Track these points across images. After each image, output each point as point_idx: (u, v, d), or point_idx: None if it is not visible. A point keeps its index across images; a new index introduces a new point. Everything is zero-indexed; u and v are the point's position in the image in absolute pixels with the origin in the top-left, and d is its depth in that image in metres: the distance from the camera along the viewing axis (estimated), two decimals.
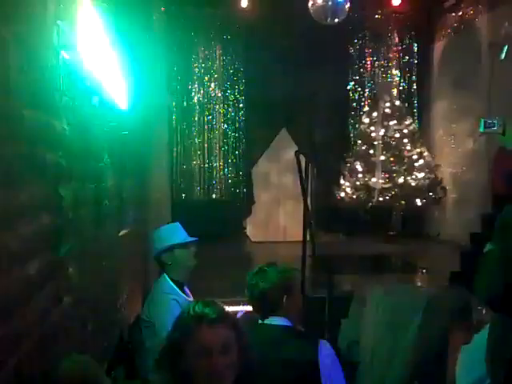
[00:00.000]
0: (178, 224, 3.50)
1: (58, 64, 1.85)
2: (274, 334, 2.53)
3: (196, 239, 3.38)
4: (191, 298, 3.49)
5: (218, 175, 9.74)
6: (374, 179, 8.85)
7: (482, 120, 2.49)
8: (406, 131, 9.06)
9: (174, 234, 3.43)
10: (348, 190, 9.05)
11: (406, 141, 9.00)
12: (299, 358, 2.25)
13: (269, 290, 2.65)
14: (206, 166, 9.69)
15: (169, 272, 3.45)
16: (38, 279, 1.52)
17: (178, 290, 3.37)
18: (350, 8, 7.26)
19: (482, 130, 2.51)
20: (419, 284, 6.17)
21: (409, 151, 8.93)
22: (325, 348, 2.45)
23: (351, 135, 9.98)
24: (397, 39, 10.04)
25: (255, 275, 2.72)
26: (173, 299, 3.25)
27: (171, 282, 3.40)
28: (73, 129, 1.99)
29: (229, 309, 3.34)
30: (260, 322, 2.64)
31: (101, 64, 2.37)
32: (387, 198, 8.73)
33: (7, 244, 1.30)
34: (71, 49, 1.96)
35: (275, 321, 2.60)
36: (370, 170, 8.95)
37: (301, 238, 5.67)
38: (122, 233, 3.32)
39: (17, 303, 1.36)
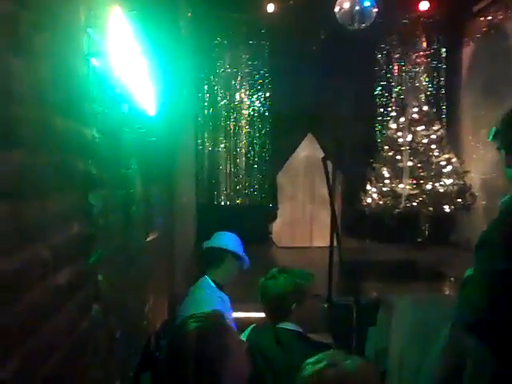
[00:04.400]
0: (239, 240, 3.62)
1: (88, 72, 1.85)
2: (282, 337, 2.55)
3: (248, 262, 3.47)
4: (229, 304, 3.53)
5: (243, 180, 9.74)
6: (401, 185, 8.76)
7: (494, 129, 2.42)
8: (433, 137, 8.95)
9: (238, 244, 3.53)
10: (375, 195, 8.97)
11: (433, 146, 8.89)
12: (304, 362, 2.25)
13: (278, 296, 2.67)
14: (232, 170, 9.70)
15: (212, 273, 3.50)
16: (68, 288, 1.51)
17: (218, 289, 3.43)
18: (377, 13, 7.21)
19: (491, 138, 2.44)
20: (448, 293, 6.08)
21: (437, 157, 8.82)
22: None
23: (378, 141, 9.90)
24: (425, 44, 9.93)
25: (266, 281, 2.74)
26: (218, 296, 3.30)
27: (212, 283, 3.45)
28: (102, 136, 1.99)
29: (251, 314, 3.34)
30: (271, 325, 2.66)
31: (130, 71, 2.37)
32: (414, 204, 8.63)
33: (39, 254, 1.29)
34: (101, 56, 1.97)
35: (285, 325, 2.63)
36: (397, 175, 8.86)
37: (327, 244, 5.63)
38: (149, 238, 3.33)
39: (47, 314, 1.35)
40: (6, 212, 1.13)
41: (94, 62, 1.90)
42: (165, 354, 2.02)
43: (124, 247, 2.46)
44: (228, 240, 3.58)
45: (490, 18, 8.75)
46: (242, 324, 3.21)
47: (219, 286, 3.49)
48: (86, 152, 1.81)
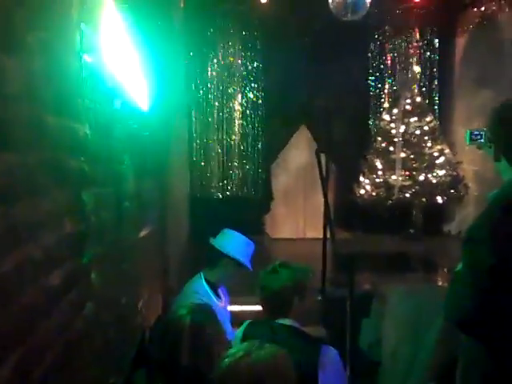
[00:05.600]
0: (252, 246, 3.55)
1: (81, 68, 1.84)
2: (279, 332, 2.55)
3: (250, 268, 3.39)
4: (223, 303, 3.50)
5: (236, 172, 9.72)
6: (394, 176, 8.78)
7: (468, 131, 2.41)
8: (426, 128, 8.96)
9: (241, 249, 3.47)
10: (368, 187, 8.98)
11: (426, 138, 8.91)
12: (299, 358, 2.27)
13: (281, 291, 2.66)
14: (225, 162, 9.67)
15: (208, 272, 3.47)
16: (61, 288, 1.50)
17: (210, 292, 3.39)
18: (370, 3, 7.19)
19: (468, 142, 2.43)
20: (440, 283, 6.11)
21: (429, 148, 8.84)
22: (327, 353, 2.46)
23: (371, 132, 9.89)
24: (418, 35, 9.90)
25: (268, 275, 2.73)
26: (199, 299, 3.27)
27: (205, 283, 3.42)
28: (95, 133, 1.98)
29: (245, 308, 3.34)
30: (269, 319, 2.66)
31: (123, 66, 2.36)
32: (407, 195, 8.66)
33: (31, 255, 1.28)
34: (94, 52, 1.95)
35: (282, 321, 2.63)
36: (390, 167, 8.88)
37: (321, 236, 5.66)
38: (142, 234, 3.32)
39: (40, 315, 1.34)
40: None
41: (86, 57, 1.88)
42: (157, 339, 2.06)
43: (117, 243, 2.45)
44: (229, 242, 3.48)
45: (482, 9, 8.73)
46: (237, 318, 3.22)
47: (213, 286, 3.47)
48: (79, 149, 1.80)
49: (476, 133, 2.45)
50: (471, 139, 2.46)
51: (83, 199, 1.81)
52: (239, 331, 2.71)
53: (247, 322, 2.76)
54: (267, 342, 2.40)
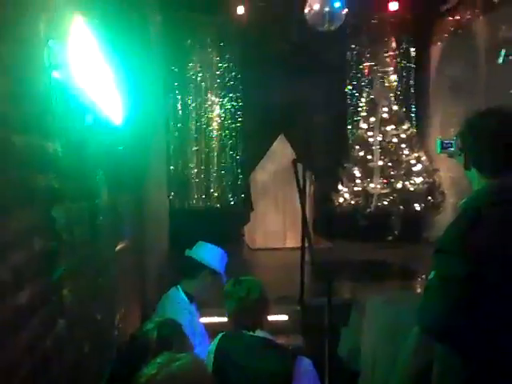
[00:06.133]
0: (226, 257, 3.58)
1: (50, 85, 1.83)
2: (254, 344, 2.57)
3: (225, 279, 3.40)
4: (198, 315, 3.52)
5: (215, 182, 9.72)
6: (372, 184, 8.84)
7: (439, 141, 2.44)
8: (403, 136, 9.06)
9: (218, 259, 3.50)
10: (346, 195, 9.03)
11: (403, 145, 9.00)
12: (274, 369, 2.27)
13: (255, 303, 2.69)
14: (204, 173, 9.67)
15: (185, 284, 3.48)
16: (29, 307, 1.50)
17: (189, 302, 3.42)
18: (346, 13, 7.26)
19: (438, 151, 2.46)
20: (419, 290, 6.15)
21: (407, 156, 8.93)
22: (302, 364, 2.47)
23: (349, 140, 9.95)
24: (394, 44, 10.02)
25: (238, 288, 2.75)
26: (185, 309, 3.29)
27: (183, 294, 3.44)
28: (66, 150, 1.97)
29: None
30: (243, 331, 2.67)
31: (94, 81, 2.36)
32: (385, 203, 8.72)
33: None
34: (63, 68, 1.95)
35: (256, 333, 2.64)
36: (368, 175, 8.94)
37: (300, 245, 5.66)
38: (118, 247, 3.30)
39: (8, 334, 1.34)
40: None
41: (55, 74, 1.88)
42: (121, 354, 2.05)
43: (91, 259, 2.45)
44: (208, 253, 3.52)
45: (457, 17, 8.86)
46: (214, 330, 3.21)
47: (191, 298, 3.48)
48: (49, 167, 1.80)
49: (447, 142, 2.48)
50: (442, 148, 2.49)
51: (53, 216, 1.80)
52: (213, 344, 2.71)
53: (220, 334, 2.76)
54: (243, 354, 2.41)
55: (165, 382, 1.63)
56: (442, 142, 2.50)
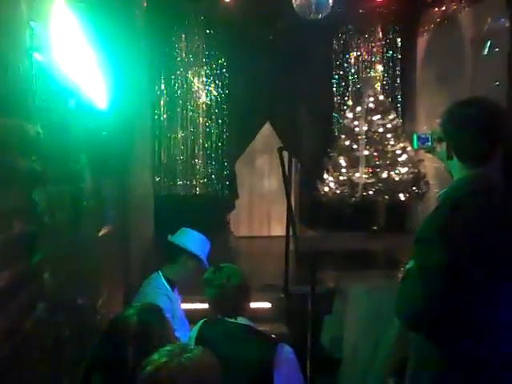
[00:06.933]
0: (209, 244, 3.61)
1: (31, 67, 1.81)
2: (235, 331, 2.58)
3: (207, 266, 3.39)
4: (180, 300, 3.52)
5: (201, 170, 9.70)
6: (357, 174, 8.84)
7: (415, 135, 2.41)
8: (389, 126, 9.05)
9: (200, 245, 3.50)
10: (332, 184, 9.03)
11: (389, 135, 9.00)
12: (254, 356, 2.28)
13: (225, 289, 2.70)
14: (189, 160, 9.64)
15: (166, 269, 3.48)
16: (8, 290, 1.48)
17: (169, 288, 3.42)
18: (333, 3, 7.24)
19: (415, 146, 2.43)
20: None
21: (392, 146, 8.94)
22: (283, 351, 2.48)
23: (335, 130, 9.95)
24: (380, 34, 10.01)
25: (218, 274, 2.76)
26: (164, 294, 3.29)
27: (164, 280, 3.44)
28: (48, 132, 1.95)
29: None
30: (224, 318, 2.67)
31: (77, 64, 2.33)
32: (371, 192, 8.74)
33: None
34: (45, 50, 1.93)
35: (237, 320, 2.65)
36: (353, 164, 8.95)
37: (285, 233, 5.67)
38: (101, 232, 3.29)
39: None
40: None
41: (37, 56, 1.86)
42: (101, 340, 2.04)
43: (73, 243, 2.43)
44: (190, 239, 3.54)
45: (443, 8, 8.86)
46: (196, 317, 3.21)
47: (171, 283, 3.48)
48: (30, 149, 1.78)
49: (423, 136, 2.46)
50: (418, 141, 2.47)
51: (34, 199, 1.79)
52: (194, 330, 2.72)
53: (202, 320, 2.76)
54: (224, 341, 2.41)
55: (176, 372, 1.61)
56: (418, 137, 2.48)
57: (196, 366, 1.64)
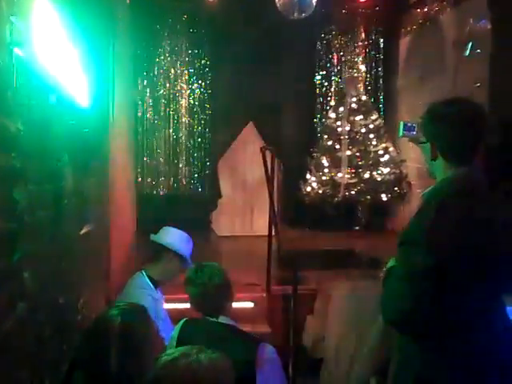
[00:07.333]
0: (192, 242, 3.59)
1: (11, 62, 1.78)
2: (217, 330, 2.56)
3: (191, 264, 3.41)
4: (163, 301, 3.50)
5: (183, 169, 9.67)
6: (339, 174, 8.88)
7: (402, 123, 2.39)
8: (371, 126, 9.11)
9: (183, 244, 3.48)
10: (314, 184, 9.06)
11: (371, 136, 9.05)
12: (236, 356, 2.27)
13: (218, 289, 2.69)
14: (172, 159, 9.61)
15: (149, 268, 3.46)
16: None
17: (153, 287, 3.40)
18: (316, 3, 7.24)
19: (400, 134, 2.40)
20: None
21: (374, 146, 8.98)
22: (265, 351, 2.47)
23: (317, 130, 9.97)
24: (363, 34, 10.07)
25: (200, 274, 2.74)
26: (149, 295, 3.27)
27: (147, 279, 3.41)
28: (28, 129, 1.92)
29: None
30: (205, 317, 2.66)
31: (59, 61, 2.30)
32: (353, 192, 8.77)
33: None
34: (26, 45, 1.90)
35: (218, 319, 2.64)
36: (336, 164, 8.98)
37: (267, 233, 5.66)
38: (83, 231, 3.25)
39: None
40: None
41: (17, 51, 1.83)
42: (84, 339, 2.02)
43: (54, 242, 2.40)
44: (173, 238, 3.52)
45: (426, 10, 8.92)
46: (178, 317, 3.19)
47: (155, 283, 3.46)
48: (9, 145, 1.75)
49: (409, 125, 2.43)
50: (404, 130, 2.43)
51: (14, 197, 1.76)
52: (175, 329, 2.70)
53: (183, 320, 2.75)
54: (205, 341, 2.39)
55: (187, 369, 1.63)
56: (404, 125, 2.44)
57: (212, 364, 1.68)
